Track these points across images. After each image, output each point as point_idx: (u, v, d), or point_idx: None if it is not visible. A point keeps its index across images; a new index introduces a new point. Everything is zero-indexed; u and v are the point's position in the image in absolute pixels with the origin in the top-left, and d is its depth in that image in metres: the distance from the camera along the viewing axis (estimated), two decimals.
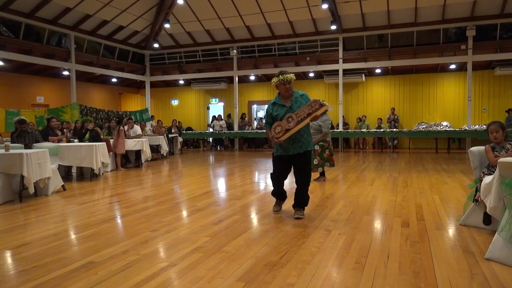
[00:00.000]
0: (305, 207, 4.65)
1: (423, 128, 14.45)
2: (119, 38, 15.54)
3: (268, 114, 4.58)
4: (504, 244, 2.97)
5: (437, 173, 8.23)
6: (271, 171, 4.77)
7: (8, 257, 3.34)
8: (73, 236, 3.96)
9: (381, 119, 15.15)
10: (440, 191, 6.07)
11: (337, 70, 14.97)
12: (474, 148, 4.13)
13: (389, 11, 13.44)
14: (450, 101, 15.13)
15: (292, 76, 4.35)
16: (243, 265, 3.00)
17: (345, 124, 15.68)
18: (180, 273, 2.86)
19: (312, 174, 7.11)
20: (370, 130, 14.59)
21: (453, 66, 14.54)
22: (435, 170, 8.65)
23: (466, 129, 13.52)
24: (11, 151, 5.71)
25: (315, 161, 6.94)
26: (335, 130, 15.09)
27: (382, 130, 14.46)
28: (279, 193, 4.79)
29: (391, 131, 14.14)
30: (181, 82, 18.11)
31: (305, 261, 3.07)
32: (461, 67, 14.57)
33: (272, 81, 4.43)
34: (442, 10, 13.15)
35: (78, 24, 13.52)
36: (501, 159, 3.08)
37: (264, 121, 4.47)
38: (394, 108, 15.37)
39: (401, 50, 14.34)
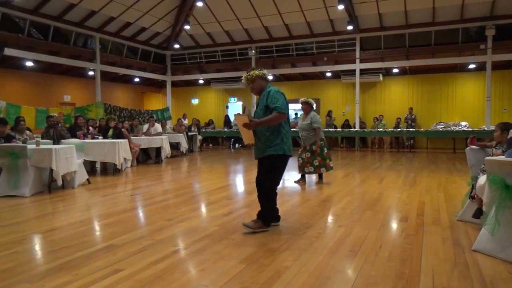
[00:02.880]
0: (262, 221, 3.89)
1: (441, 128, 14.40)
2: (142, 39, 16.10)
3: None
4: (490, 236, 3.18)
5: (448, 172, 8.33)
6: None
7: (39, 239, 3.76)
8: (96, 223, 4.37)
9: (399, 118, 15.18)
10: (446, 190, 6.22)
11: (354, 70, 15.08)
12: (470, 147, 4.31)
13: (407, 11, 13.48)
14: (469, 101, 15.02)
15: (252, 73, 3.90)
16: (246, 250, 3.31)
17: (362, 123, 15.77)
18: (188, 256, 3.20)
19: (315, 176, 7.28)
20: (387, 130, 14.66)
21: (472, 66, 14.45)
22: (447, 170, 8.74)
23: (484, 129, 13.42)
24: (41, 146, 6.19)
25: (316, 162, 6.79)
26: (352, 129, 15.23)
27: (398, 129, 14.50)
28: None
29: (408, 130, 14.17)
30: (201, 81, 18.56)
31: (302, 248, 3.36)
32: (481, 67, 14.44)
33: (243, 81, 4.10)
34: (460, 10, 13.10)
35: (103, 26, 14.12)
36: (487, 157, 3.28)
37: None
38: (411, 108, 15.36)
39: (419, 49, 14.34)
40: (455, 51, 13.84)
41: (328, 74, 16.47)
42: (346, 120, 16.01)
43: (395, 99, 16.08)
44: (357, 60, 14.94)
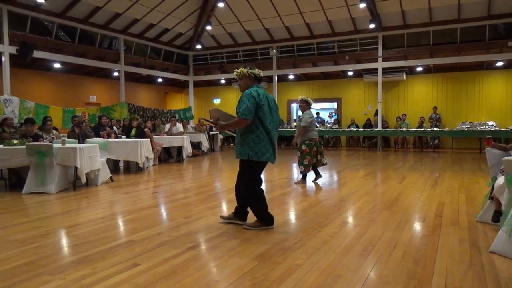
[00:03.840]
0: (259, 219, 3.96)
1: (467, 127, 14.04)
2: (165, 40, 16.39)
3: None
4: (507, 238, 3.12)
5: (472, 173, 8.14)
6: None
7: (63, 234, 3.92)
8: (117, 220, 4.52)
9: (423, 118, 14.89)
10: (468, 190, 6.10)
11: (377, 69, 14.89)
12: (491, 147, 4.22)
13: (431, 8, 13.20)
14: (496, 100, 14.57)
15: (241, 71, 3.87)
16: (260, 248, 3.37)
17: (385, 123, 15.56)
18: (203, 252, 3.29)
19: (305, 175, 7.05)
20: (410, 129, 14.41)
21: (500, 64, 14.02)
22: (471, 170, 8.54)
23: None
24: (67, 145, 6.43)
25: (306, 161, 6.73)
26: (374, 129, 15.04)
27: (422, 129, 14.22)
28: (237, 201, 4.14)
29: (432, 130, 13.88)
30: (223, 81, 18.72)
31: (316, 247, 3.39)
32: (509, 65, 14.00)
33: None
34: (487, 6, 12.73)
35: (127, 28, 14.45)
36: (505, 157, 3.22)
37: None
38: (436, 107, 15.04)
39: (443, 47, 14.03)
40: (482, 48, 13.45)
41: (350, 73, 16.32)
42: (368, 120, 15.83)
43: (419, 98, 15.77)
44: (380, 59, 14.74)
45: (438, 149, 14.41)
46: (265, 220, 3.97)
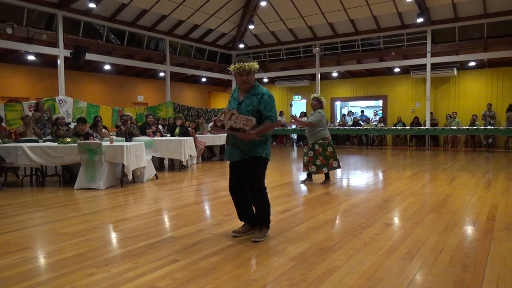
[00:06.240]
0: (267, 226, 3.68)
1: None
2: (208, 40, 16.67)
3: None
4: None
5: None
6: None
7: (109, 228, 4.10)
8: (160, 216, 4.66)
9: (475, 115, 14.10)
10: None
11: (425, 65, 14.28)
12: None
13: None
14: None
15: (252, 65, 3.45)
16: (299, 248, 3.33)
17: (433, 120, 14.90)
18: (242, 250, 3.30)
19: (318, 176, 6.89)
20: (461, 128, 13.69)
21: None
22: None
23: None
24: (114, 143, 6.71)
25: (318, 162, 6.55)
26: (422, 127, 14.46)
27: (475, 127, 13.46)
28: (241, 215, 3.75)
29: (485, 128, 13.09)
30: (265, 80, 18.75)
31: (356, 248, 3.30)
32: None
33: (230, 68, 3.56)
34: None
35: (172, 30, 14.85)
36: None
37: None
38: (490, 104, 14.17)
39: (499, 40, 13.19)
40: None
41: (396, 70, 15.78)
42: (416, 118, 15.22)
43: (471, 95, 14.96)
44: (428, 54, 14.12)
45: (492, 149, 13.60)
46: (269, 221, 3.69)
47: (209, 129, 3.71)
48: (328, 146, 6.58)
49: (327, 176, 6.77)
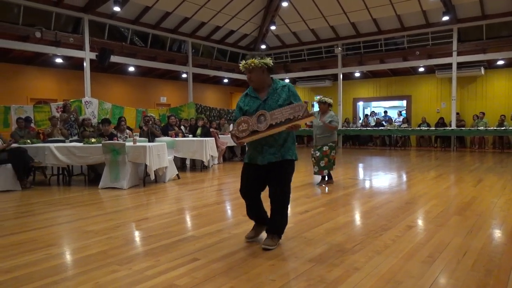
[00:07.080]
0: (281, 235, 3.48)
1: None
2: (230, 41, 16.78)
3: (238, 108, 3.50)
4: None
5: None
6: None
7: (132, 227, 4.19)
8: (181, 215, 4.73)
9: (504, 116, 13.66)
10: None
11: (451, 64, 13.94)
12: None
13: None
14: None
15: (251, 62, 3.27)
16: (317, 249, 3.32)
17: (460, 121, 14.53)
18: (260, 250, 3.31)
19: (317, 176, 6.84)
20: (488, 128, 13.29)
21: None
22: None
23: None
24: (137, 144, 6.84)
25: (322, 163, 6.52)
26: (447, 128, 14.12)
27: (503, 128, 13.04)
28: (253, 215, 3.61)
29: None
30: (287, 80, 18.70)
31: (376, 251, 3.26)
32: None
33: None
34: None
35: (195, 31, 15.03)
36: None
37: (234, 115, 3.66)
38: None
39: None
40: None
41: (421, 69, 15.49)
42: (441, 118, 14.89)
43: (500, 94, 14.51)
44: (454, 53, 13.78)
45: None
46: (282, 232, 3.50)
47: (235, 143, 3.49)
48: (333, 150, 6.61)
49: (323, 178, 6.80)
